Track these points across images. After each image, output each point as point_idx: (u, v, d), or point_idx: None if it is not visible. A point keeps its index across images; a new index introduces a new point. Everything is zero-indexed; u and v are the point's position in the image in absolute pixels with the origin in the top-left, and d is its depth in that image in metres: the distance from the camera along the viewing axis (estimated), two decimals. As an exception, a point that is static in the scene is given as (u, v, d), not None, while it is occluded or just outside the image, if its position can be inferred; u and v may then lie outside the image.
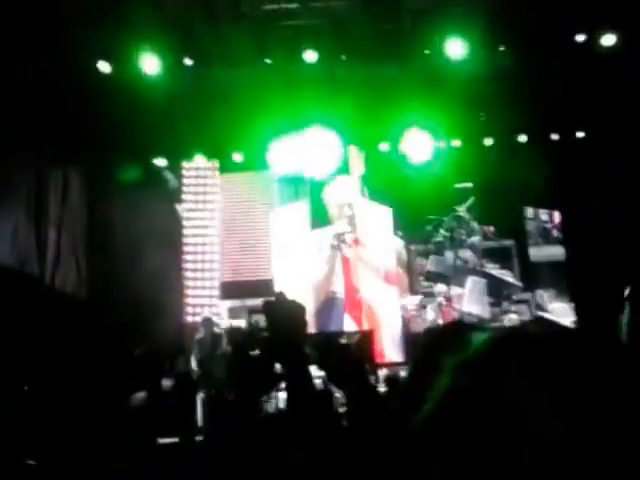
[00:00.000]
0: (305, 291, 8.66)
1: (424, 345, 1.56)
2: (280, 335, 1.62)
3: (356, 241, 9.47)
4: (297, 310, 1.67)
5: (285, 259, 9.39)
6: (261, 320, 1.81)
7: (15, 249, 8.57)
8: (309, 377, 1.62)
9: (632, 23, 7.81)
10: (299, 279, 9.14)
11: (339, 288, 9.40)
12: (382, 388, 8.00)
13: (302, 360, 1.61)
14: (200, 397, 7.85)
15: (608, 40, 8.16)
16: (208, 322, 8.92)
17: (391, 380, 7.98)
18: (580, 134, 9.19)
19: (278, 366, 1.74)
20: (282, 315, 1.64)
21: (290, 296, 1.72)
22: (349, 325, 9.18)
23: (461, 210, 9.70)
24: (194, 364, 8.34)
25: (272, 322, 1.66)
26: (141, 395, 5.81)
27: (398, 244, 9.67)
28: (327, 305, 9.32)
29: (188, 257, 9.71)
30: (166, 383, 6.68)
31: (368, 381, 1.97)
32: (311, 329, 8.58)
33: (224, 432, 1.73)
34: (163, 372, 7.13)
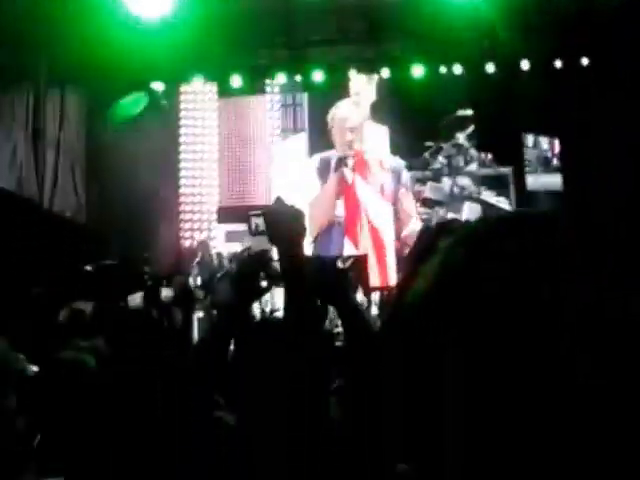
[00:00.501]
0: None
1: (420, 236, 1.53)
2: (279, 237, 1.64)
3: (358, 163, 9.46)
4: (295, 213, 1.70)
5: (285, 185, 9.42)
6: (261, 224, 1.84)
7: (14, 169, 8.58)
8: (304, 284, 1.63)
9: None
10: (299, 204, 9.17)
11: (341, 212, 9.47)
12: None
13: (300, 264, 1.64)
14: (197, 316, 8.06)
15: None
16: (205, 245, 9.03)
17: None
18: (584, 61, 9.01)
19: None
20: (281, 217, 1.66)
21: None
22: (349, 249, 9.30)
23: (460, 137, 9.66)
24: (193, 285, 8.48)
25: (271, 225, 1.69)
26: (137, 298, 5.95)
27: (401, 165, 9.67)
28: (328, 230, 9.41)
29: (185, 181, 9.73)
30: (166, 293, 6.84)
31: (354, 300, 2.00)
32: (310, 252, 8.72)
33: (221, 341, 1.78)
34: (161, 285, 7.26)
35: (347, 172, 9.46)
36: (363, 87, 9.55)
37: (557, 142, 9.72)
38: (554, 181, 9.68)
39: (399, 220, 9.43)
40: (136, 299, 6.33)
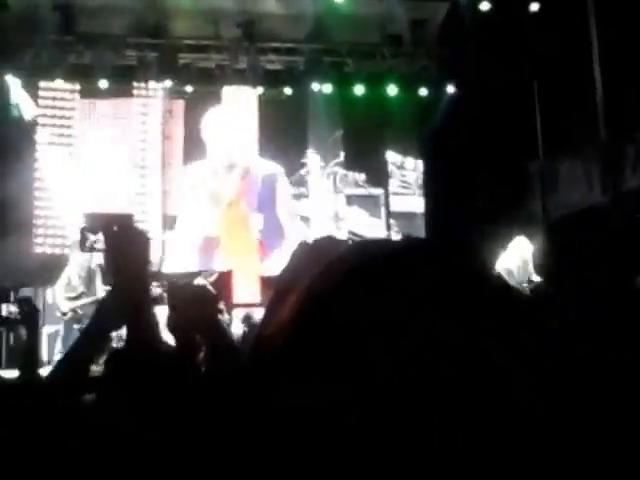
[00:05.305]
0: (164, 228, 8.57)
1: (293, 256, 1.50)
2: (121, 259, 1.44)
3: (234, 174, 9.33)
4: (144, 237, 1.52)
5: (154, 194, 9.14)
6: (99, 241, 1.62)
7: None
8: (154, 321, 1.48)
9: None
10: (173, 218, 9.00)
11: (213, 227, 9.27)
12: (240, 328, 8.02)
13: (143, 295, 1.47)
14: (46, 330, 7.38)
15: None
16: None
17: (248, 319, 7.99)
18: (450, 90, 9.31)
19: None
20: (128, 240, 1.47)
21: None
22: (219, 264, 9.09)
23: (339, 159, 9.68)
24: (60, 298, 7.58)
25: (113, 246, 1.48)
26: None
27: (278, 173, 9.59)
28: (206, 244, 9.14)
29: (40, 184, 8.93)
30: (10, 309, 6.39)
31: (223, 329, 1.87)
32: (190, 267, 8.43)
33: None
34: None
35: (216, 183, 9.29)
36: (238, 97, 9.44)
37: (420, 163, 9.86)
38: (417, 203, 9.82)
39: (272, 232, 9.31)
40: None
